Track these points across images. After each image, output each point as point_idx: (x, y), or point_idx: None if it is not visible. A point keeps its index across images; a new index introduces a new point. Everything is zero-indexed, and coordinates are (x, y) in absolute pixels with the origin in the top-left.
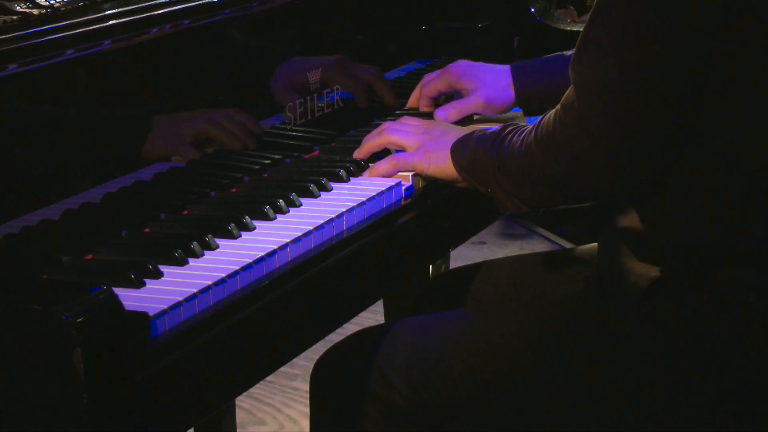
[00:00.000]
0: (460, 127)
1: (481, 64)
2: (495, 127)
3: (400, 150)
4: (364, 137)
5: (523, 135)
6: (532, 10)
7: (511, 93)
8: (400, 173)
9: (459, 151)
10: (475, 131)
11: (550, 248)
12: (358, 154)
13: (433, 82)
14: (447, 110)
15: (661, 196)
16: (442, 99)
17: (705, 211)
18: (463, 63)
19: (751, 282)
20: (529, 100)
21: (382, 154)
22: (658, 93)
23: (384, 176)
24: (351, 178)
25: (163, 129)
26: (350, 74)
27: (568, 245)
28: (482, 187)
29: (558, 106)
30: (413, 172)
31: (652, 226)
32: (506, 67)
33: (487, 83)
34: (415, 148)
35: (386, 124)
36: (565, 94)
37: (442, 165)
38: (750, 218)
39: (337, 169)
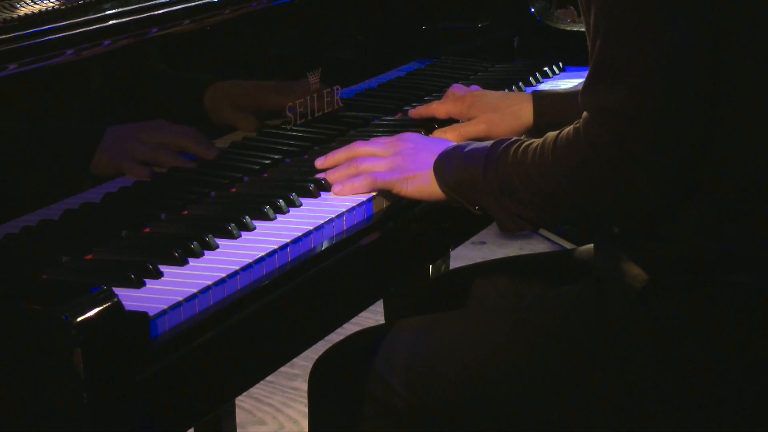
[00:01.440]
0: (429, 138)
1: (497, 92)
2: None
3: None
4: (329, 156)
5: (529, 155)
6: (532, 10)
7: (524, 122)
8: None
9: (443, 170)
10: (456, 147)
11: (550, 248)
12: (330, 179)
13: (446, 105)
14: (446, 133)
15: None
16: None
17: (700, 213)
18: (478, 91)
19: (749, 283)
20: (544, 128)
21: None
22: (684, 103)
23: (359, 194)
24: None
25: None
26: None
27: (568, 245)
28: (472, 206)
29: (570, 129)
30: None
31: (645, 233)
32: (524, 94)
33: (502, 111)
34: (390, 169)
35: (362, 146)
36: (580, 120)
37: (423, 186)
38: (745, 220)
39: None
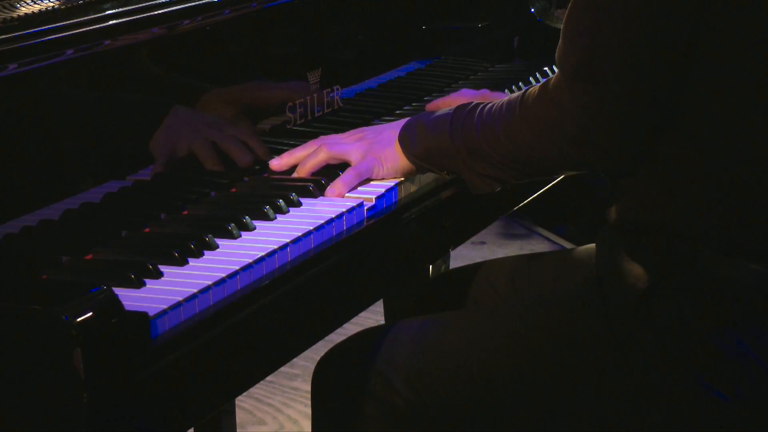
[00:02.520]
0: (385, 123)
1: (489, 92)
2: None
3: (341, 163)
4: (292, 153)
5: (493, 116)
6: (532, 10)
7: None
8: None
9: (408, 141)
10: (418, 117)
11: (550, 248)
12: (299, 174)
13: (443, 103)
14: None
15: (655, 196)
16: None
17: (700, 211)
18: (471, 91)
19: (749, 282)
20: None
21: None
22: (651, 61)
23: (350, 190)
24: None
25: (177, 128)
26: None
27: (568, 245)
28: (442, 172)
29: (538, 88)
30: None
31: (647, 227)
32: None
33: None
34: (362, 154)
35: (321, 140)
36: (551, 78)
37: (394, 162)
38: (746, 218)
39: (338, 170)
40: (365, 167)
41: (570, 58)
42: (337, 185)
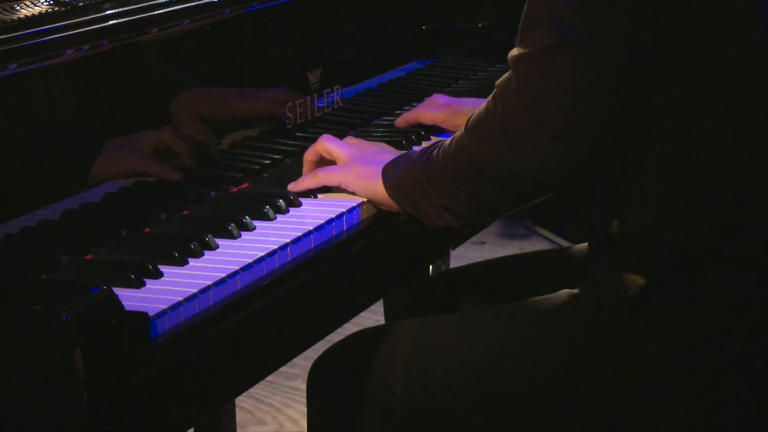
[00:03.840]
0: (395, 150)
1: (477, 99)
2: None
3: (332, 160)
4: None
5: (453, 137)
6: None
7: None
8: None
9: (390, 170)
10: (408, 151)
11: (550, 248)
12: (303, 171)
13: (431, 111)
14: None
15: (643, 202)
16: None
17: (688, 216)
18: (469, 102)
19: (742, 287)
20: None
21: None
22: (606, 60)
23: (307, 190)
24: None
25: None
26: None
27: (568, 245)
28: (411, 208)
29: (491, 96)
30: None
31: (636, 233)
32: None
33: None
34: (346, 160)
35: (325, 136)
36: (501, 79)
37: (369, 182)
38: (734, 221)
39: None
40: (331, 173)
41: (516, 49)
42: (298, 184)
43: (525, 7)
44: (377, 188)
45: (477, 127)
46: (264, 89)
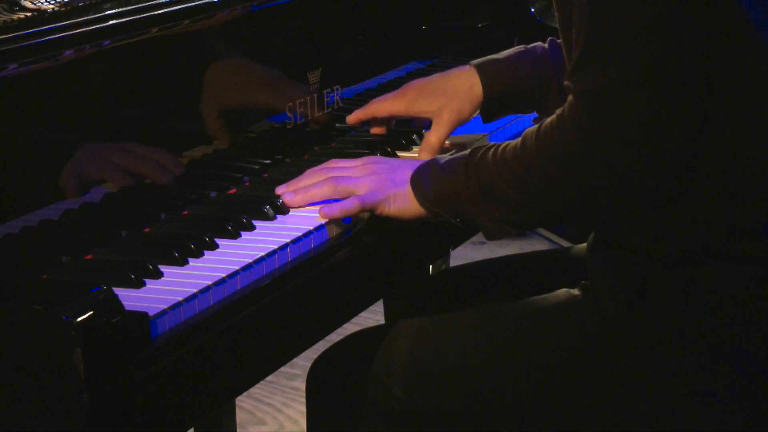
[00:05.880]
0: (401, 160)
1: (436, 76)
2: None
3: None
4: (306, 190)
5: (510, 153)
6: (532, 10)
7: (476, 93)
8: None
9: (420, 185)
10: (433, 160)
11: (549, 248)
12: (295, 201)
13: (386, 103)
14: (421, 155)
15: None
16: (393, 123)
17: (685, 214)
18: (417, 82)
19: (741, 283)
20: (495, 99)
21: None
22: (678, 81)
23: (349, 215)
24: None
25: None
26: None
27: (567, 245)
28: (455, 219)
29: (552, 118)
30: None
31: (634, 230)
32: (464, 68)
33: (450, 94)
34: (371, 189)
35: (330, 170)
36: (563, 108)
37: (403, 203)
38: (731, 218)
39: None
40: (371, 200)
41: (583, 79)
42: (334, 208)
43: (584, 35)
44: (413, 207)
45: (559, 158)
46: (289, 78)
